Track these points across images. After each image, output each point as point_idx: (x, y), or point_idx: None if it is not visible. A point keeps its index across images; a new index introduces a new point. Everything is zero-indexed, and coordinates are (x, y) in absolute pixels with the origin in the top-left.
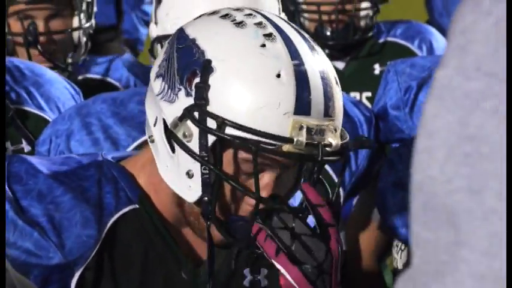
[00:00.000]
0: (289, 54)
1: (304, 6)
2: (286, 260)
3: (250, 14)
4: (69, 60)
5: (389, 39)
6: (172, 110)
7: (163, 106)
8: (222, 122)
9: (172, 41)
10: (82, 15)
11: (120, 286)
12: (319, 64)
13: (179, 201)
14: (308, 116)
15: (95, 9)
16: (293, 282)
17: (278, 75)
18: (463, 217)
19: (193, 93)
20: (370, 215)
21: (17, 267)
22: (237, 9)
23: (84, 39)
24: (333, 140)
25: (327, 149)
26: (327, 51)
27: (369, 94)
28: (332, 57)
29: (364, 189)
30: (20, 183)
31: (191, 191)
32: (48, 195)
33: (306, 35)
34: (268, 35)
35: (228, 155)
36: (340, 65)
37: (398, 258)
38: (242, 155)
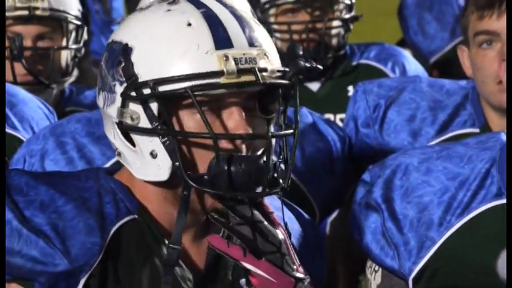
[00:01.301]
0: (195, 6)
1: (275, 26)
2: (253, 258)
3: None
4: (54, 86)
5: (363, 61)
6: (115, 105)
7: (110, 111)
8: (154, 83)
9: (102, 58)
10: (71, 38)
11: None
12: (228, 7)
13: (170, 195)
14: (231, 48)
15: (85, 36)
16: (265, 275)
17: (189, 24)
18: None
19: (123, 78)
20: (346, 236)
21: (22, 275)
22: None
23: (71, 63)
24: (268, 65)
25: (264, 73)
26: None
27: (343, 116)
28: (306, 78)
29: (339, 209)
30: (21, 194)
31: (161, 169)
32: (50, 205)
33: None
34: (172, 2)
35: (182, 116)
36: (315, 86)
37: (372, 279)
38: (188, 107)
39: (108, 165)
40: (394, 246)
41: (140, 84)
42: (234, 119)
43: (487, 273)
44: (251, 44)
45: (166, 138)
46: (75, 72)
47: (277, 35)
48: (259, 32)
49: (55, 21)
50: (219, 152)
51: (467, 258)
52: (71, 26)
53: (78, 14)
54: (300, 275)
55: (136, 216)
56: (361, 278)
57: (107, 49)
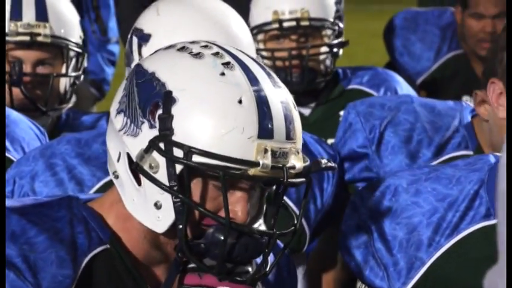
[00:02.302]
0: (249, 80)
1: (263, 53)
2: (230, 282)
3: (206, 46)
4: (51, 113)
5: (355, 86)
6: (137, 143)
7: (126, 141)
8: (189, 150)
9: (131, 76)
10: (71, 65)
11: None
12: (276, 89)
13: (152, 236)
14: (271, 140)
15: (85, 63)
16: None
17: (240, 101)
18: None
19: (157, 124)
20: (335, 254)
21: None
22: (193, 42)
23: (69, 89)
24: (297, 162)
25: (291, 171)
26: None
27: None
28: (298, 102)
29: (329, 227)
30: None
31: (160, 221)
32: (21, 236)
33: (262, 63)
34: (227, 64)
35: (196, 182)
36: (306, 111)
37: None
38: (210, 181)
39: (97, 186)
40: (384, 267)
41: (173, 143)
42: (241, 206)
43: None
44: (288, 137)
45: (179, 200)
46: (73, 99)
47: (265, 60)
48: (297, 123)
49: (56, 48)
50: (228, 226)
51: (457, 278)
52: (71, 53)
53: (79, 41)
54: None
55: (108, 246)
56: None
57: (140, 74)
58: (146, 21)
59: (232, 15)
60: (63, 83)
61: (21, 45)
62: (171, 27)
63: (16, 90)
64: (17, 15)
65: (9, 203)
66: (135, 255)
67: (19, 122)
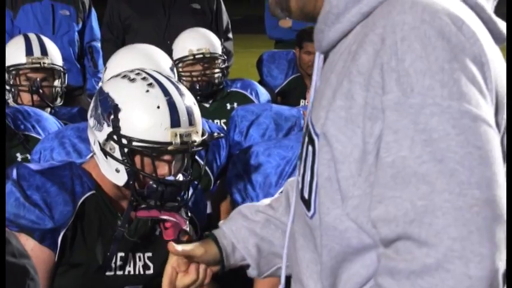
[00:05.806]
0: (163, 93)
1: (182, 74)
2: (166, 212)
3: (139, 73)
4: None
5: (233, 89)
6: (101, 135)
7: (96, 133)
8: (129, 140)
9: (97, 94)
10: (61, 80)
11: (87, 240)
12: (181, 96)
13: (117, 185)
14: (179, 127)
15: (66, 78)
16: (174, 219)
17: (158, 107)
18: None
19: (111, 124)
20: (227, 191)
21: (26, 230)
22: (131, 71)
23: (60, 93)
24: (196, 138)
25: (194, 144)
26: (198, 97)
27: (224, 121)
28: (202, 100)
29: (223, 177)
30: (25, 180)
31: (120, 179)
32: (42, 188)
33: (174, 81)
34: (150, 84)
35: (137, 157)
36: (207, 104)
37: None
38: (145, 155)
39: (89, 155)
40: (251, 198)
41: (121, 135)
42: (165, 169)
43: None
44: (190, 124)
45: (128, 167)
46: (59, 99)
47: (184, 79)
48: (196, 114)
49: (51, 70)
50: (158, 181)
51: None
52: (61, 73)
53: (62, 64)
54: (185, 216)
55: (94, 192)
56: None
57: (101, 94)
58: (109, 59)
59: (161, 53)
60: (57, 90)
61: (34, 70)
62: (117, 64)
63: (35, 96)
64: (30, 52)
65: (33, 167)
66: (109, 196)
67: (47, 119)
